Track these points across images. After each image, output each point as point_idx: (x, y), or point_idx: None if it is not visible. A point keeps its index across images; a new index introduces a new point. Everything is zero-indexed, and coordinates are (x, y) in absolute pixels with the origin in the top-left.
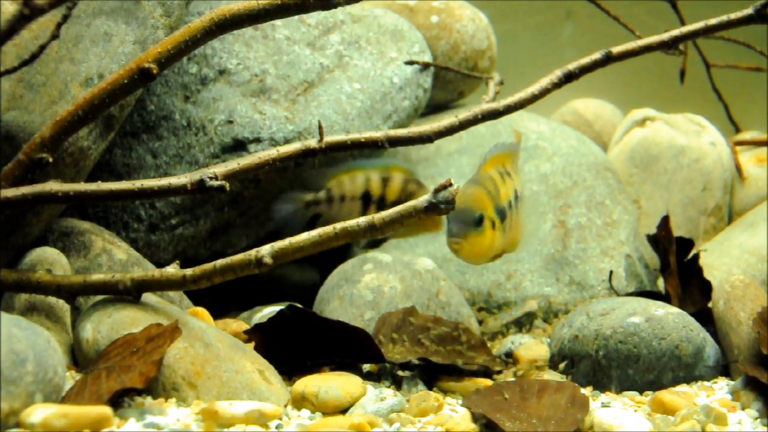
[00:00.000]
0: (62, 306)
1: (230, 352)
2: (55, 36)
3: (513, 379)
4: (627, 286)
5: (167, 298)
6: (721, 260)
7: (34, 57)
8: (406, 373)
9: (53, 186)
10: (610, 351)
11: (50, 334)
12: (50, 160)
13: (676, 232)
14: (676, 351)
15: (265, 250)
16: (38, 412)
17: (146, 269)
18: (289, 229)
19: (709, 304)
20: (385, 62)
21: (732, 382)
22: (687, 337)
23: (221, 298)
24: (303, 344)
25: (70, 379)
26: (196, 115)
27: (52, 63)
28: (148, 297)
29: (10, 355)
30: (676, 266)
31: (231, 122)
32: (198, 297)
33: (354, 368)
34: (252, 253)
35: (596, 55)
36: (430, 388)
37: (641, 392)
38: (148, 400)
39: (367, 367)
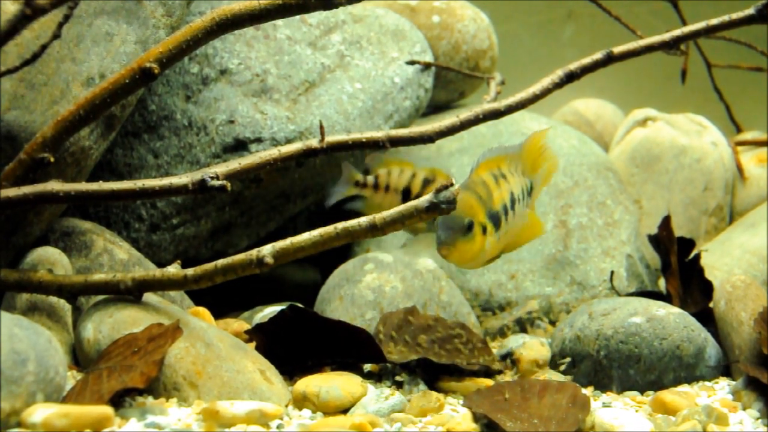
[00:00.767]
0: (63, 306)
1: (231, 352)
2: (56, 36)
3: (514, 379)
4: (628, 286)
5: (168, 298)
6: (723, 260)
7: (35, 57)
8: (407, 373)
9: (54, 186)
10: (612, 351)
11: (51, 334)
12: (52, 159)
13: (678, 232)
14: (677, 351)
15: (267, 250)
16: (39, 412)
17: (147, 269)
18: (329, 198)
19: (711, 305)
20: (387, 62)
21: (733, 383)
22: (688, 338)
23: (222, 298)
24: (304, 344)
25: (72, 378)
26: (197, 115)
27: (53, 63)
28: (149, 297)
29: (12, 355)
30: (677, 266)
31: (232, 122)
32: (199, 297)
33: (355, 368)
34: (253, 252)
35: (597, 55)
36: (431, 388)
37: (642, 392)
38: (150, 399)
39: (368, 367)
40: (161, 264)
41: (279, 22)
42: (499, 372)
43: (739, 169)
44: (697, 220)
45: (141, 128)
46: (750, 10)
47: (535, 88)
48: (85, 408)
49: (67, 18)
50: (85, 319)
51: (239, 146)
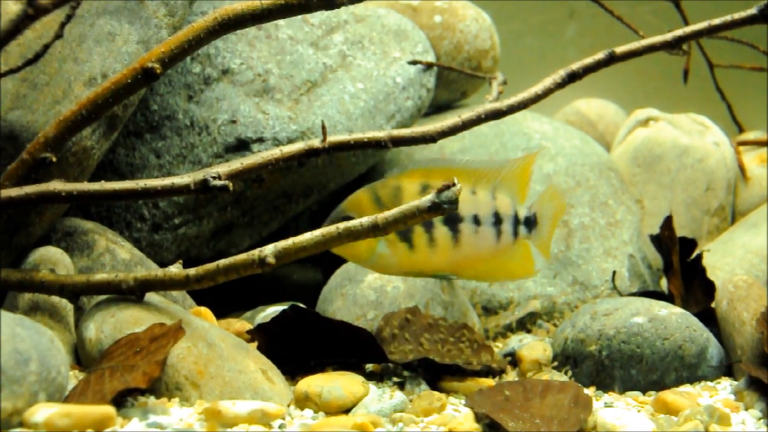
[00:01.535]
0: (65, 305)
1: (233, 352)
2: (58, 36)
3: (516, 379)
4: (630, 286)
5: (170, 298)
6: (725, 260)
7: (37, 56)
8: (409, 373)
9: (57, 185)
10: (614, 351)
11: (53, 334)
12: (54, 159)
13: (680, 232)
14: (679, 351)
15: (268, 250)
16: (41, 412)
17: (149, 269)
18: None
19: (713, 305)
20: (389, 62)
21: (735, 383)
22: (690, 338)
23: (224, 298)
24: (306, 344)
25: (74, 378)
26: (199, 115)
27: (55, 62)
28: (151, 297)
29: (14, 355)
30: (679, 266)
31: (234, 122)
32: (201, 297)
33: (357, 368)
34: (255, 252)
35: (599, 55)
36: (433, 388)
37: (644, 392)
38: (152, 399)
39: (370, 367)
40: (163, 264)
41: (281, 21)
42: (501, 372)
43: (742, 169)
44: (699, 220)
45: (143, 128)
46: (752, 10)
47: (538, 88)
48: (87, 408)
49: (69, 18)
50: (87, 319)
51: (241, 146)
